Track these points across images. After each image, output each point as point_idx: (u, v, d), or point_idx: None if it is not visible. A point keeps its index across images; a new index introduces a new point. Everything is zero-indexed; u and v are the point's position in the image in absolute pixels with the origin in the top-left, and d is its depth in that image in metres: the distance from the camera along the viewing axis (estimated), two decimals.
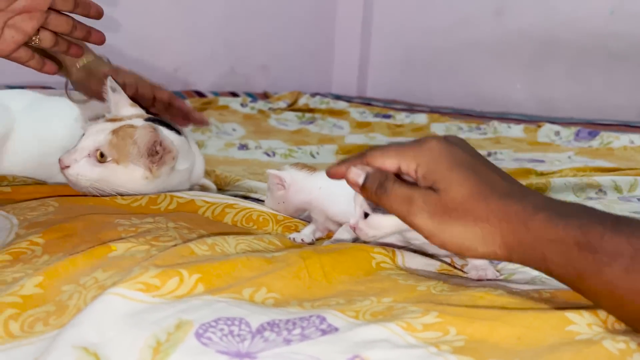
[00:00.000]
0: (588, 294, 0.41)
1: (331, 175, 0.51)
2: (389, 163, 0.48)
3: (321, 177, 0.71)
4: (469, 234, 0.43)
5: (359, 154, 0.50)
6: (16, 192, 0.77)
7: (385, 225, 0.56)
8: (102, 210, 0.70)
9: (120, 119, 0.78)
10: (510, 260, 0.44)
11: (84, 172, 0.73)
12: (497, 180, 0.45)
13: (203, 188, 0.90)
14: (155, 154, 0.75)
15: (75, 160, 0.73)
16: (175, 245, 0.55)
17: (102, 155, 0.73)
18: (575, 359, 0.36)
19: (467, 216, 0.43)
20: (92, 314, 0.40)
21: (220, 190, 0.94)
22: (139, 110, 0.82)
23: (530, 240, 0.41)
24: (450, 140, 0.47)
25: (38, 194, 0.76)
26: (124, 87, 0.84)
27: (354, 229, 0.57)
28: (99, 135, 0.74)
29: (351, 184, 0.50)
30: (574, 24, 2.18)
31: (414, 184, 0.47)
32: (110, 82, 0.81)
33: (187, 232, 0.62)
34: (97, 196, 0.75)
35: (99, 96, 0.85)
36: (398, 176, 0.48)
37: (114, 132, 0.74)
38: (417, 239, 0.61)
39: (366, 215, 0.56)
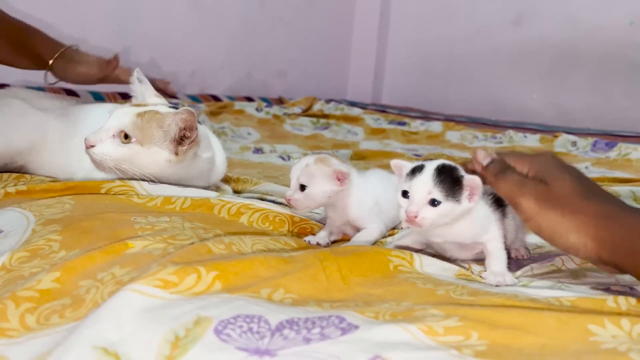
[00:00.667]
0: None
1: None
2: None
3: (354, 178, 0.70)
4: (565, 223, 0.48)
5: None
6: (31, 190, 0.78)
7: (452, 212, 0.56)
8: (118, 208, 0.70)
9: (145, 105, 0.81)
10: (599, 255, 0.48)
11: (108, 151, 0.75)
12: (597, 188, 0.52)
13: (218, 190, 0.90)
14: (186, 138, 0.77)
15: (101, 139, 0.75)
16: (192, 243, 0.55)
17: (126, 136, 0.75)
18: None
19: (567, 207, 0.49)
20: (110, 310, 0.40)
21: (237, 193, 0.94)
22: (163, 100, 0.85)
23: (623, 234, 0.46)
24: (559, 157, 0.56)
25: (52, 191, 0.77)
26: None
27: (414, 217, 0.55)
28: (124, 117, 0.76)
29: (476, 161, 0.56)
30: (593, 34, 2.16)
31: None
32: (137, 73, 0.84)
33: (203, 232, 0.62)
34: (122, 178, 0.77)
35: (80, 79, 0.94)
36: None
37: (139, 115, 0.76)
38: (439, 237, 0.60)
39: (434, 203, 0.55)
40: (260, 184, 0.95)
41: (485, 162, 0.56)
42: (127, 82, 0.98)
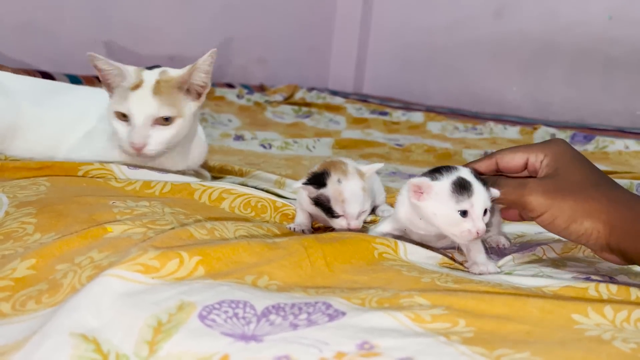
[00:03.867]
0: None
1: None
2: (518, 158, 0.57)
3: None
4: (579, 210, 0.50)
5: (487, 156, 0.59)
6: (4, 167, 0.75)
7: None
8: (96, 192, 0.68)
9: (141, 81, 0.77)
10: (608, 241, 0.49)
11: (161, 139, 0.76)
12: (605, 176, 0.54)
13: (198, 175, 0.89)
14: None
15: (149, 135, 0.75)
16: (172, 228, 0.53)
17: (166, 119, 0.76)
18: (587, 357, 0.35)
19: (580, 194, 0.50)
20: (89, 295, 0.38)
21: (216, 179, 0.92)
22: (140, 68, 0.81)
23: (632, 218, 0.49)
24: (571, 146, 0.56)
25: (27, 170, 0.74)
26: None
27: (477, 233, 0.53)
28: (148, 102, 0.75)
29: None
30: (572, 28, 2.18)
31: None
32: (92, 57, 0.77)
33: (183, 217, 0.60)
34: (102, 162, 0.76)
35: None
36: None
37: (156, 93, 0.76)
38: (423, 230, 0.60)
39: (485, 212, 0.54)
40: (255, 172, 0.94)
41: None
42: None
